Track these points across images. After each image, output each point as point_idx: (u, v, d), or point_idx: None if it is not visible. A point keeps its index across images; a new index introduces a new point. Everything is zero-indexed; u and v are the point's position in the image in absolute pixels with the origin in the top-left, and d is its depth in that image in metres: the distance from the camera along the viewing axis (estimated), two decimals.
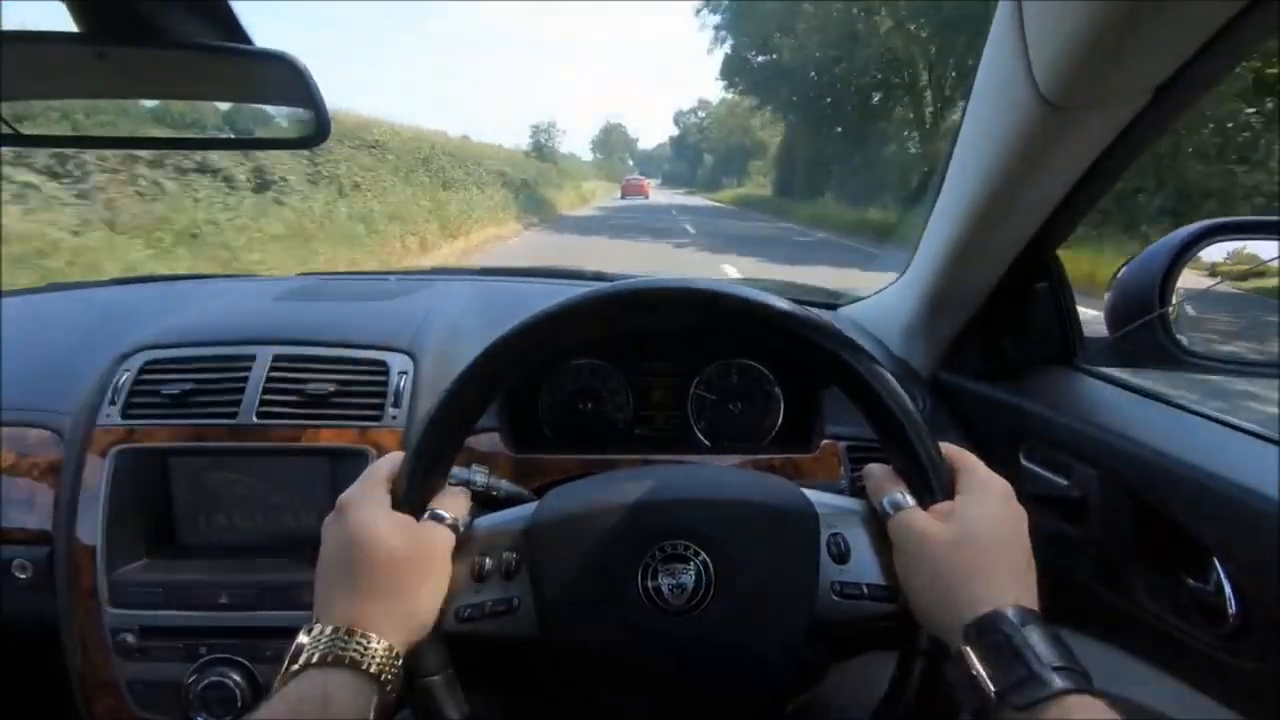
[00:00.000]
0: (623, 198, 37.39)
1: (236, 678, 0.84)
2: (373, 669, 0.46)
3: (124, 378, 0.90)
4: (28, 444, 0.89)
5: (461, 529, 0.54)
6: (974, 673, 0.45)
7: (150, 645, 0.84)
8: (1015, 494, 0.53)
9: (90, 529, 0.84)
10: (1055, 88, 0.58)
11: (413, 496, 0.53)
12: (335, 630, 0.47)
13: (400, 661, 0.48)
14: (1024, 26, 0.58)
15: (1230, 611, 0.63)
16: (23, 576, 0.87)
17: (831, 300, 1.33)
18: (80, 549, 0.84)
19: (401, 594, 0.49)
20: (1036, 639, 0.45)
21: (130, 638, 0.84)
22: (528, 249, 13.31)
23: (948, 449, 0.55)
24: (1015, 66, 0.60)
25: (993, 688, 0.44)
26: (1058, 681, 0.43)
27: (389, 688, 0.47)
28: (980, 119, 0.73)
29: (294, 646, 0.47)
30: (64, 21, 0.57)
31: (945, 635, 0.48)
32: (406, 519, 0.52)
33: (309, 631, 0.48)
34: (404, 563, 0.50)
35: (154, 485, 0.88)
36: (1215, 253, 0.82)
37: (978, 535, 0.49)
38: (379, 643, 0.47)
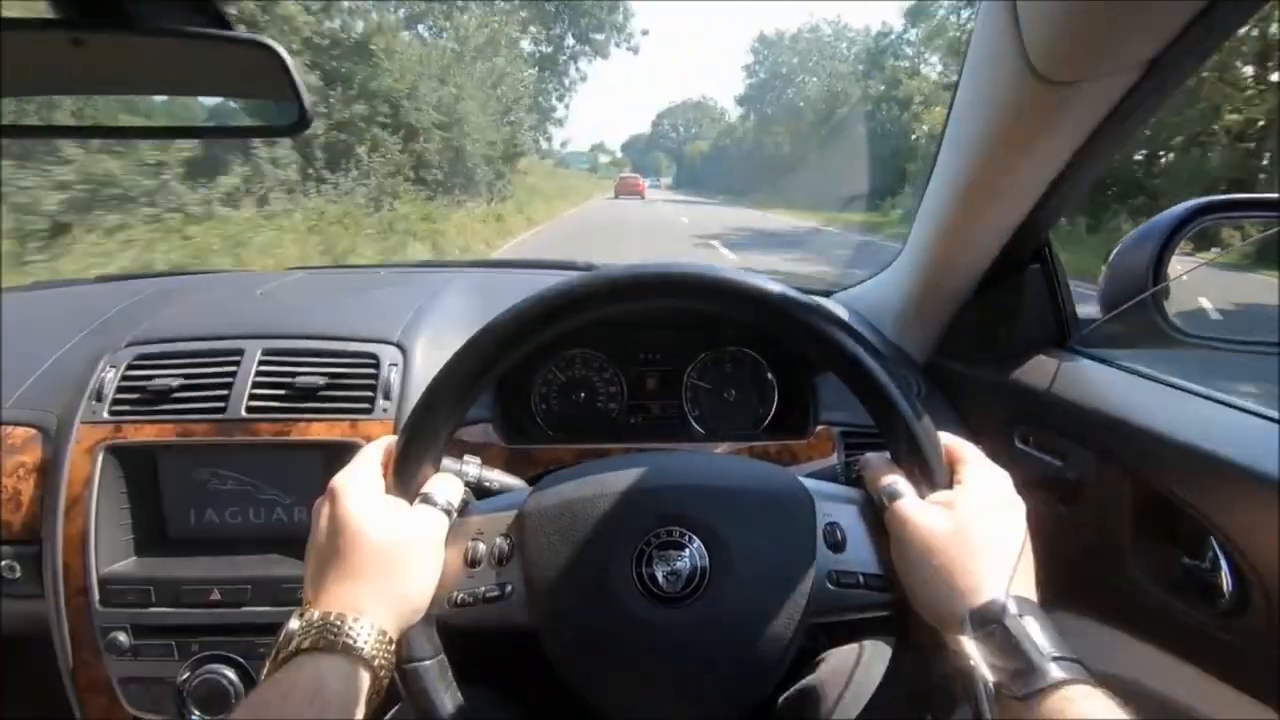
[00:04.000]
0: (617, 197, 35.55)
1: (230, 674, 0.83)
2: (364, 653, 0.45)
3: (111, 374, 0.89)
4: (13, 443, 0.88)
5: (454, 514, 0.54)
6: (972, 663, 0.44)
7: (142, 643, 0.84)
8: (1013, 484, 0.53)
9: (78, 527, 0.83)
10: (1047, 62, 0.57)
11: (405, 481, 0.53)
12: (326, 615, 0.46)
13: (392, 646, 0.48)
14: (1015, 0, 0.57)
15: (1226, 589, 0.63)
16: (12, 577, 0.86)
17: (826, 288, 1.32)
18: (69, 548, 0.83)
19: (393, 578, 0.49)
20: (1035, 629, 0.45)
21: (121, 636, 0.83)
22: None
23: (946, 438, 0.54)
24: (1007, 40, 0.59)
25: (991, 678, 0.44)
26: (1056, 672, 0.43)
27: (381, 672, 0.46)
28: (972, 95, 0.72)
29: (284, 632, 0.47)
30: (39, 10, 0.56)
31: (942, 625, 0.48)
32: (399, 503, 0.52)
33: (300, 616, 0.47)
34: (395, 547, 0.50)
35: (143, 482, 0.88)
36: (1208, 231, 0.82)
37: (976, 525, 0.49)
38: (370, 627, 0.46)
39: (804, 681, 0.74)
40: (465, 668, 0.54)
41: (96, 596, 0.83)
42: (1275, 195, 0.82)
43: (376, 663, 0.46)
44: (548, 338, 0.54)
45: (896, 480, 0.52)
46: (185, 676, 0.83)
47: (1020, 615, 0.45)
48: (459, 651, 0.53)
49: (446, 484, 0.54)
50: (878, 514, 0.53)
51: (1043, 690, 0.42)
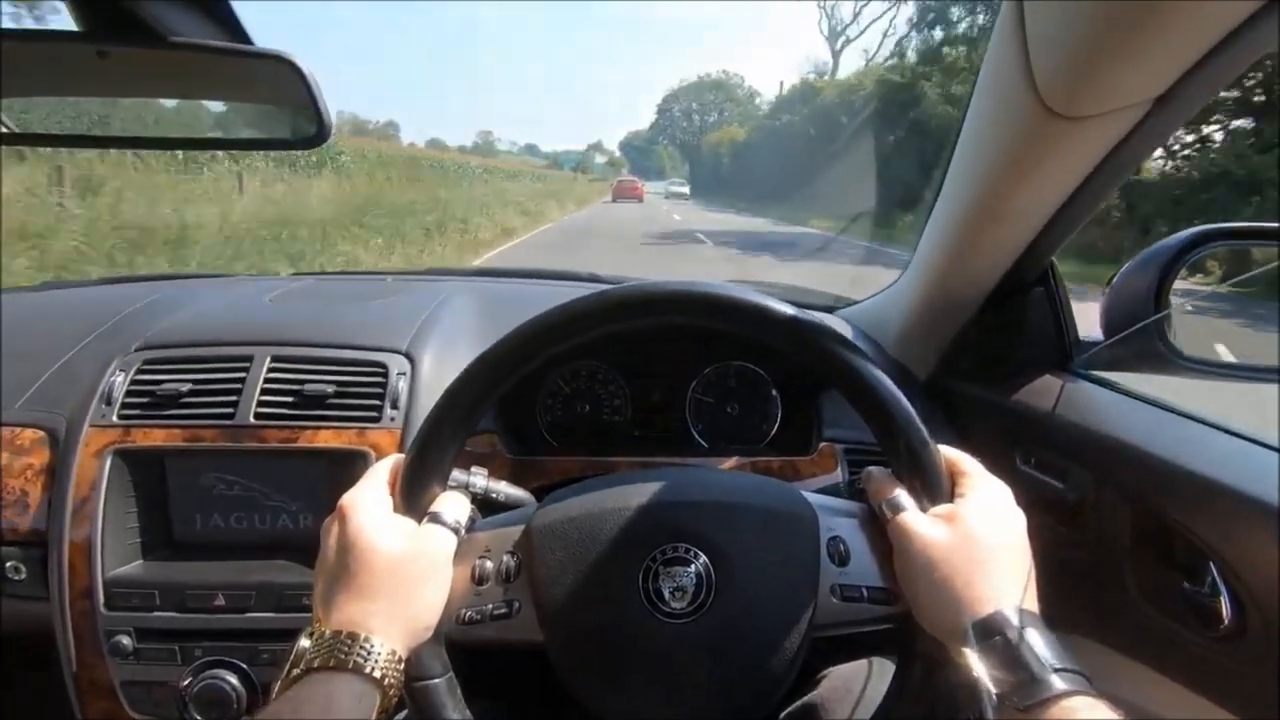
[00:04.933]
0: (614, 201, 33.55)
1: (233, 680, 0.83)
2: (375, 673, 0.46)
3: (120, 378, 0.90)
4: (22, 445, 0.88)
5: (462, 532, 0.54)
6: (975, 675, 0.45)
7: (145, 647, 0.84)
8: (1014, 497, 0.54)
9: (85, 530, 0.83)
10: (1056, 95, 0.59)
11: (413, 500, 0.53)
12: (336, 634, 0.47)
13: (402, 665, 0.48)
14: (1026, 33, 0.58)
15: (1226, 614, 0.63)
16: (17, 578, 0.86)
17: (829, 303, 1.33)
18: (75, 550, 0.83)
19: (402, 597, 0.49)
20: (1037, 641, 0.45)
21: (125, 639, 0.83)
22: None
23: (947, 452, 0.55)
24: (1016, 72, 0.60)
25: (994, 690, 0.44)
26: (1059, 683, 0.43)
27: (391, 691, 0.47)
28: (980, 124, 0.73)
29: (295, 651, 0.47)
30: (65, 21, 0.57)
31: (946, 638, 0.49)
32: (407, 522, 0.53)
33: (310, 635, 0.48)
34: (405, 566, 0.50)
35: (150, 486, 0.88)
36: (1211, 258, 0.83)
37: (978, 538, 0.49)
38: (381, 646, 0.47)
39: (806, 698, 0.75)
40: (474, 685, 0.54)
41: (101, 599, 0.83)
42: (1277, 224, 0.83)
43: (386, 681, 0.46)
44: (554, 355, 0.55)
45: (899, 494, 0.53)
46: (188, 681, 0.83)
47: (1023, 627, 0.45)
48: (467, 669, 0.54)
49: (454, 502, 0.55)
50: (880, 528, 0.53)
51: (1045, 701, 0.42)
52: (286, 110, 0.72)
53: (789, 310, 0.54)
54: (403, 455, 0.56)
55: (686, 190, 45.09)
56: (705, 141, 62.86)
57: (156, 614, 0.84)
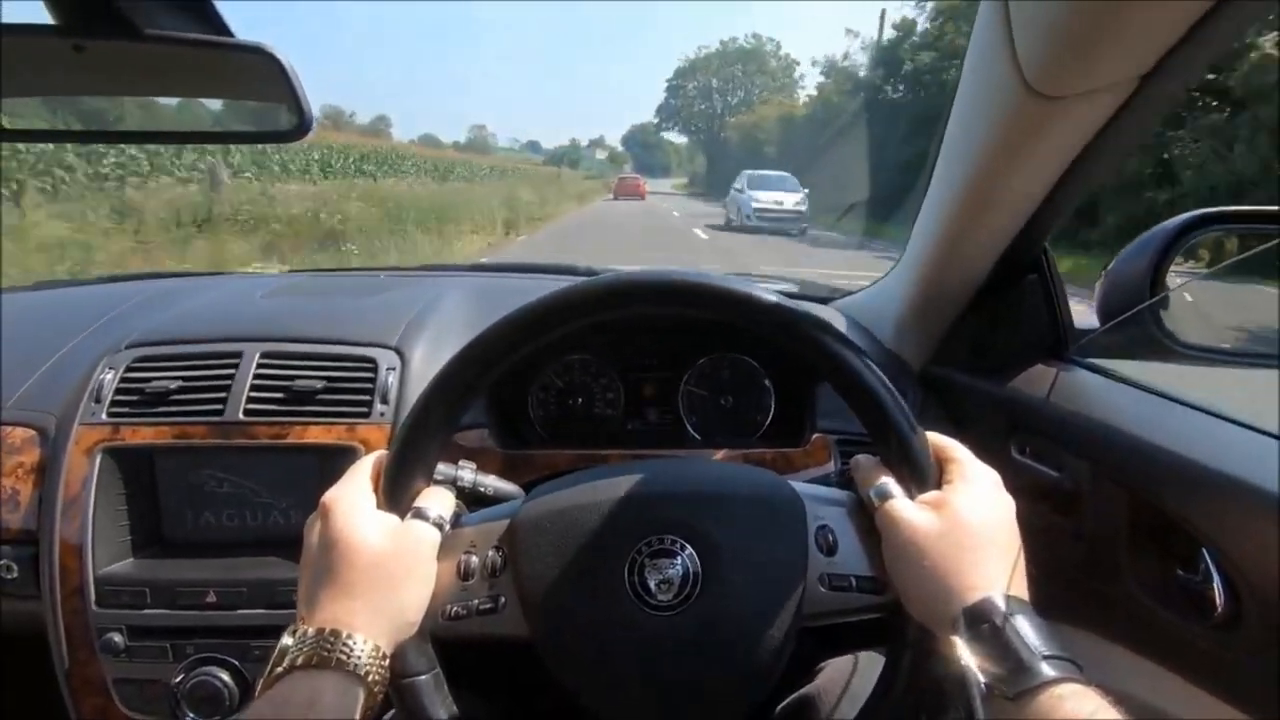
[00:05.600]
0: (615, 198, 31.49)
1: (225, 677, 0.83)
2: (358, 670, 0.45)
3: (110, 376, 0.90)
4: (12, 443, 0.88)
5: (446, 527, 0.54)
6: (964, 663, 0.44)
7: (137, 645, 0.84)
8: (1004, 484, 0.53)
9: (76, 528, 0.83)
10: (1041, 76, 0.58)
11: (396, 496, 0.53)
12: (319, 631, 0.46)
13: (386, 662, 0.48)
14: (1010, 14, 0.57)
15: (1219, 603, 0.62)
16: (9, 577, 0.86)
17: (825, 294, 1.32)
18: (66, 548, 0.83)
19: (386, 594, 0.49)
20: (1026, 628, 0.45)
21: (116, 637, 0.83)
22: None
23: (935, 438, 0.54)
24: (1001, 55, 0.59)
25: (983, 678, 0.44)
26: (1048, 670, 0.42)
27: (375, 688, 0.46)
28: (967, 109, 0.72)
29: (278, 649, 0.47)
30: (41, 15, 0.56)
31: (935, 626, 0.48)
32: (390, 518, 0.52)
33: (293, 633, 0.47)
34: (388, 562, 0.49)
35: (140, 484, 0.88)
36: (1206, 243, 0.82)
37: (966, 524, 0.49)
38: (364, 643, 0.46)
39: (803, 690, 0.74)
40: (461, 680, 0.54)
41: (93, 597, 0.83)
42: (1275, 208, 0.82)
43: (371, 679, 0.45)
44: (540, 346, 0.54)
45: (887, 481, 0.52)
46: (180, 678, 0.83)
47: (1011, 614, 0.45)
48: (454, 665, 0.53)
49: (438, 497, 0.54)
50: (869, 516, 0.53)
51: (1034, 689, 0.42)
52: (267, 103, 0.71)
53: (772, 298, 0.54)
54: (386, 451, 0.55)
55: (801, 202, 16.53)
56: (731, 125, 46.64)
57: (148, 611, 0.83)
